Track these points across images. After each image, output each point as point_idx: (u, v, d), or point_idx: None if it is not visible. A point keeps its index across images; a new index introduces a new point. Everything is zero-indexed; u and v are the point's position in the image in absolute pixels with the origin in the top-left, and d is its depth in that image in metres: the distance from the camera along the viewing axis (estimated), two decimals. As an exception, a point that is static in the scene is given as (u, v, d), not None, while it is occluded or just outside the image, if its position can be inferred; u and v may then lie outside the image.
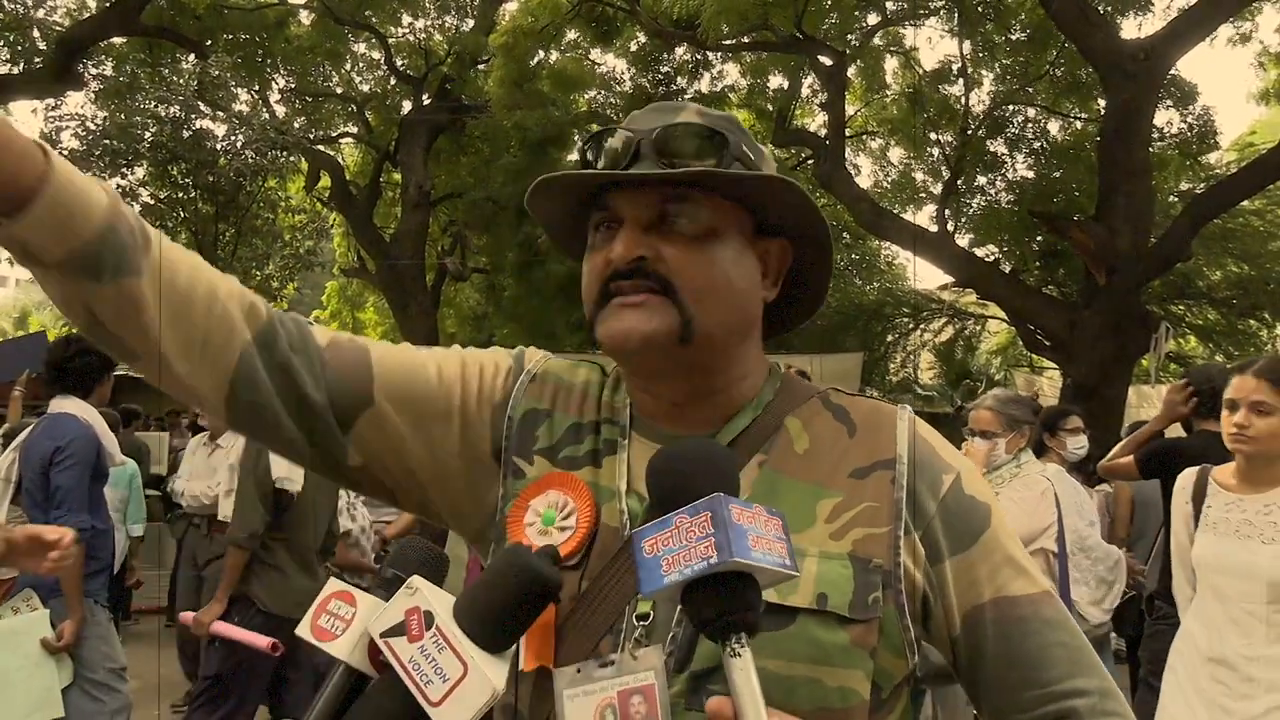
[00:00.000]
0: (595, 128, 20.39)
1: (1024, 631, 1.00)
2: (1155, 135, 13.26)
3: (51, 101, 15.84)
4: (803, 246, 1.12)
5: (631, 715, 0.85)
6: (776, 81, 18.64)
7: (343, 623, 0.90)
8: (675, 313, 1.01)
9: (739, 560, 0.77)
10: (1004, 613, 1.00)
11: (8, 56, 15.91)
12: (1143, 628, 4.60)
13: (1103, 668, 1.03)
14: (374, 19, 18.82)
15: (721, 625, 0.80)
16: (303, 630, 0.90)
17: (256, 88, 18.89)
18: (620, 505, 1.05)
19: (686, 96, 18.41)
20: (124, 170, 16.83)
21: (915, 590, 1.00)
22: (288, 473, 3.79)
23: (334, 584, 0.92)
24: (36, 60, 15.51)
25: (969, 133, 16.04)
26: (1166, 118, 14.80)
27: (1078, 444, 4.61)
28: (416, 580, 0.87)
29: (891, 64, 18.10)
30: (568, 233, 1.16)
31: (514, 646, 0.88)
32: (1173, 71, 13.04)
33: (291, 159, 18.27)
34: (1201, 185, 14.82)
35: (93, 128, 16.11)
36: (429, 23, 20.15)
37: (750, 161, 1.06)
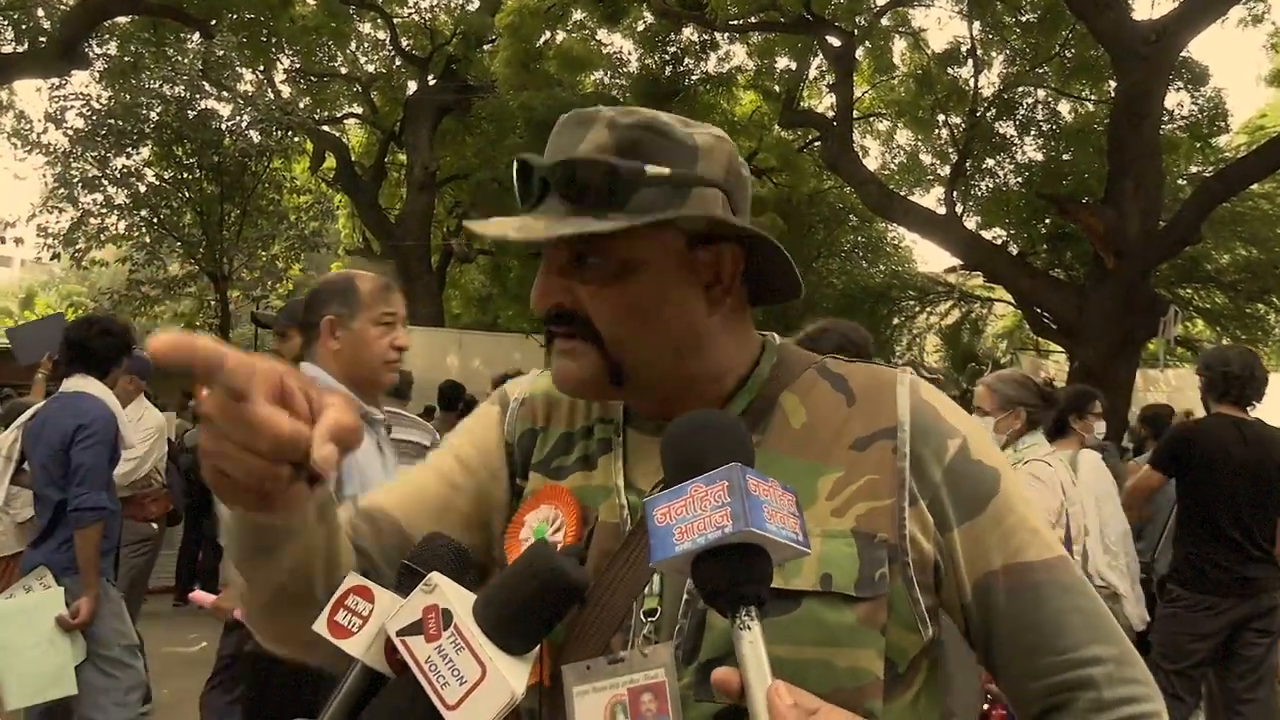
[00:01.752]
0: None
1: (1038, 598, 0.97)
2: (1165, 117, 13.20)
3: (56, 81, 15.80)
4: (755, 244, 1.05)
5: (642, 712, 0.84)
6: (784, 62, 18.56)
7: (360, 619, 0.85)
8: (599, 358, 1.00)
9: (754, 530, 0.75)
10: (1017, 579, 0.97)
11: (12, 35, 15.87)
12: (1154, 611, 4.61)
13: (1122, 634, 0.99)
14: (379, -1, 18.77)
15: (732, 597, 0.78)
16: (319, 626, 0.87)
17: (261, 68, 18.82)
18: (620, 500, 1.04)
19: (693, 78, 18.35)
20: (129, 150, 16.80)
21: (925, 561, 0.97)
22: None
23: (353, 578, 0.87)
24: (41, 39, 15.47)
25: (978, 115, 15.98)
26: (1177, 100, 14.74)
27: (1100, 428, 4.59)
28: (436, 577, 0.84)
29: (900, 45, 18.05)
30: None
31: (536, 649, 0.86)
32: (1184, 54, 12.96)
33: (296, 139, 18.22)
34: (1211, 168, 14.76)
35: (97, 107, 16.07)
36: (434, 2, 20.09)
37: (668, 180, 0.97)
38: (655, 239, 0.99)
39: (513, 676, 0.80)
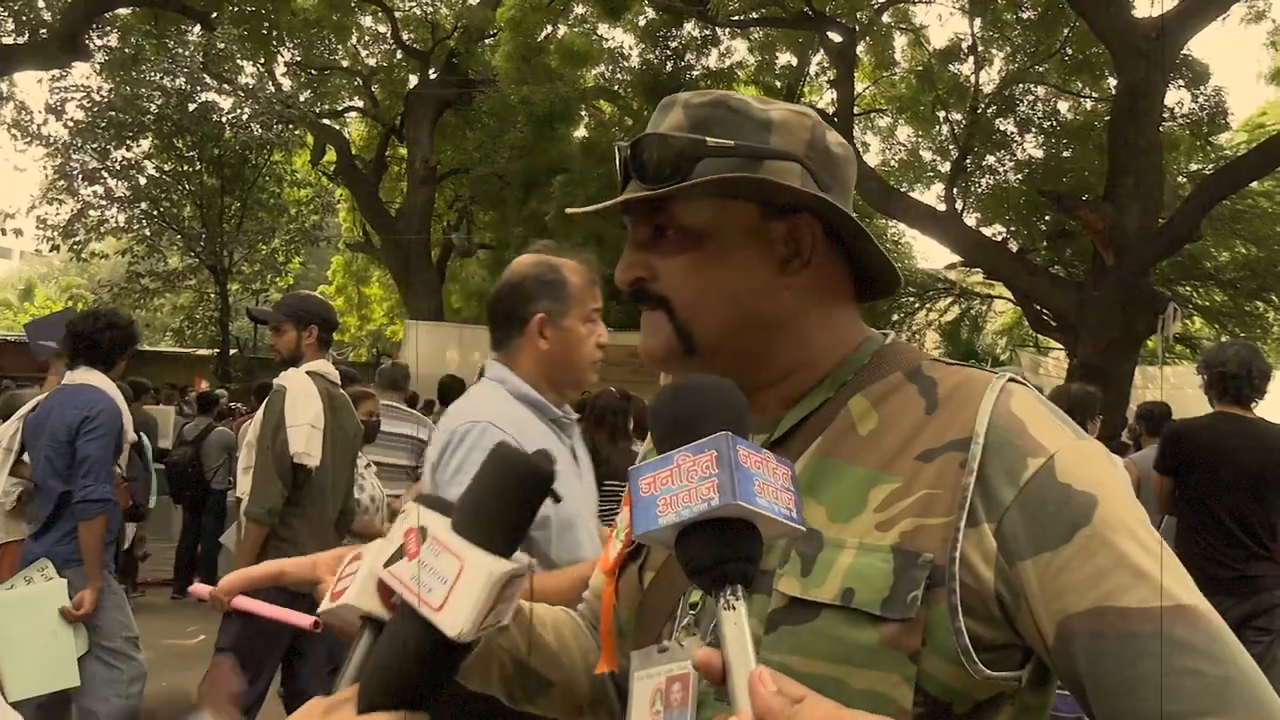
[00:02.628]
0: (603, 103, 20.40)
1: (1136, 651, 0.81)
2: (1166, 115, 13.21)
3: (57, 72, 15.81)
4: (843, 228, 1.02)
5: (671, 702, 0.83)
6: (785, 58, 18.57)
7: (353, 576, 0.88)
8: (670, 327, 1.01)
9: (742, 504, 0.71)
10: (1106, 626, 0.82)
11: (13, 26, 15.86)
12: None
13: (1270, 708, 0.80)
14: (380, -8, 18.75)
15: (716, 574, 0.74)
16: (324, 604, 0.89)
17: (262, 60, 18.82)
18: None
19: (694, 74, 18.34)
20: (129, 142, 16.80)
21: (982, 590, 0.86)
22: (305, 447, 3.75)
23: (352, 550, 0.91)
24: (42, 31, 15.45)
25: (978, 111, 15.98)
26: (1177, 97, 14.75)
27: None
28: (410, 504, 0.86)
29: (901, 41, 18.03)
30: None
31: (519, 553, 0.85)
32: (1184, 51, 12.96)
33: (297, 132, 18.23)
34: (1211, 166, 14.78)
35: (98, 99, 16.07)
36: (435, -4, 20.09)
37: (736, 150, 0.98)
38: (726, 208, 1.00)
39: (491, 562, 0.80)
